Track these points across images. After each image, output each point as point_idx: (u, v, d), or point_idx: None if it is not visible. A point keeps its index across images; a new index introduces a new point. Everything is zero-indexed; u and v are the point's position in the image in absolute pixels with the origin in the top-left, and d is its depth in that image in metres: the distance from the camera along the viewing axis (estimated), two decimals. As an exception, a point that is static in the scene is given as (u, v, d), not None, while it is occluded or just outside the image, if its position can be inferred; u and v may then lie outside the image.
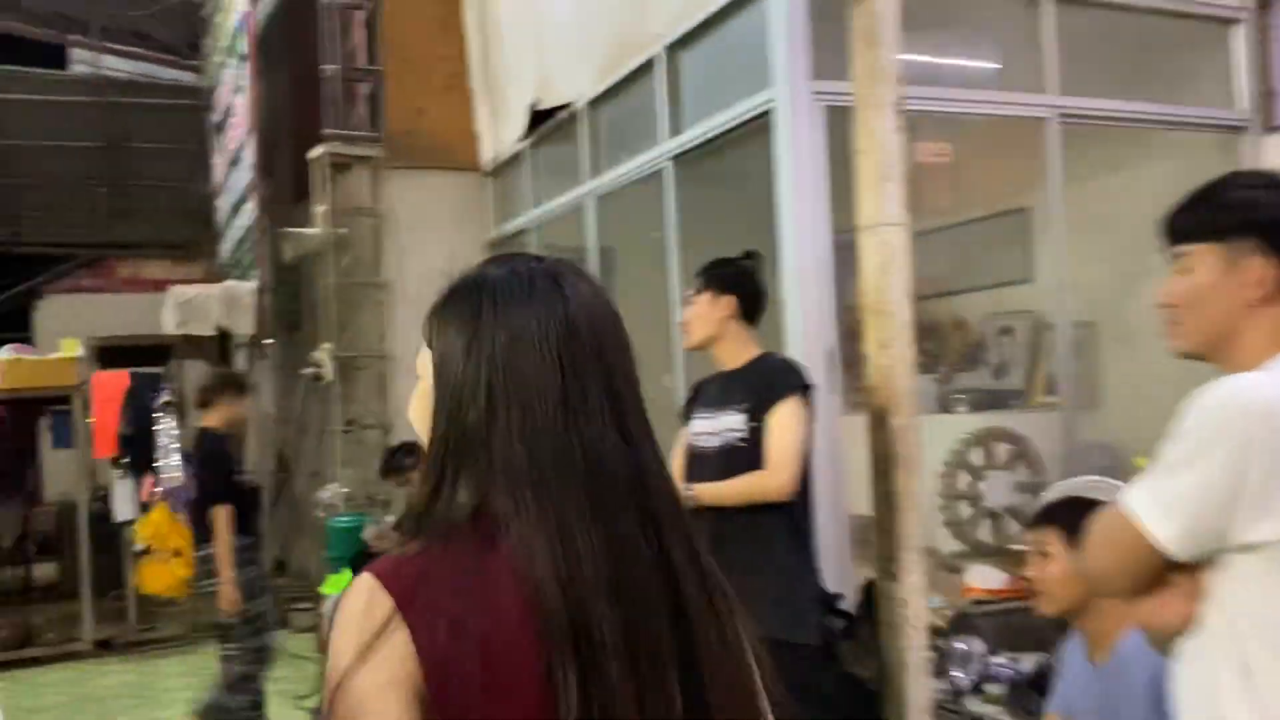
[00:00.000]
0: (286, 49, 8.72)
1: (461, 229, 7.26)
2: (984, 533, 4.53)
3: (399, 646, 0.89)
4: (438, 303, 1.05)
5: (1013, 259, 5.88)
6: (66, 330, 7.66)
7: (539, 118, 6.32)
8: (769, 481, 2.80)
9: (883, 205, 2.91)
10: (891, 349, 2.90)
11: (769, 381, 2.90)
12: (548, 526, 0.94)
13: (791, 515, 2.86)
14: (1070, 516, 2.07)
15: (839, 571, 3.83)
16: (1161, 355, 1.67)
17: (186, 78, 11.84)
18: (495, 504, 0.95)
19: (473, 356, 0.99)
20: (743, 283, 3.04)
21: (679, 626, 0.96)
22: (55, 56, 11.97)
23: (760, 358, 3.03)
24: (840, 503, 3.94)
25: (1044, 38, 4.48)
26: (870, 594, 3.31)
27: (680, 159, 4.84)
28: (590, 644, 0.90)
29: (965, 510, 4.45)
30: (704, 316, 3.01)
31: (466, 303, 1.02)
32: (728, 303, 2.99)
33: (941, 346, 6.36)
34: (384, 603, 0.91)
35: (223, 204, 9.51)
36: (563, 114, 6.04)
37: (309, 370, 7.15)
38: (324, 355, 7.04)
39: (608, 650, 0.91)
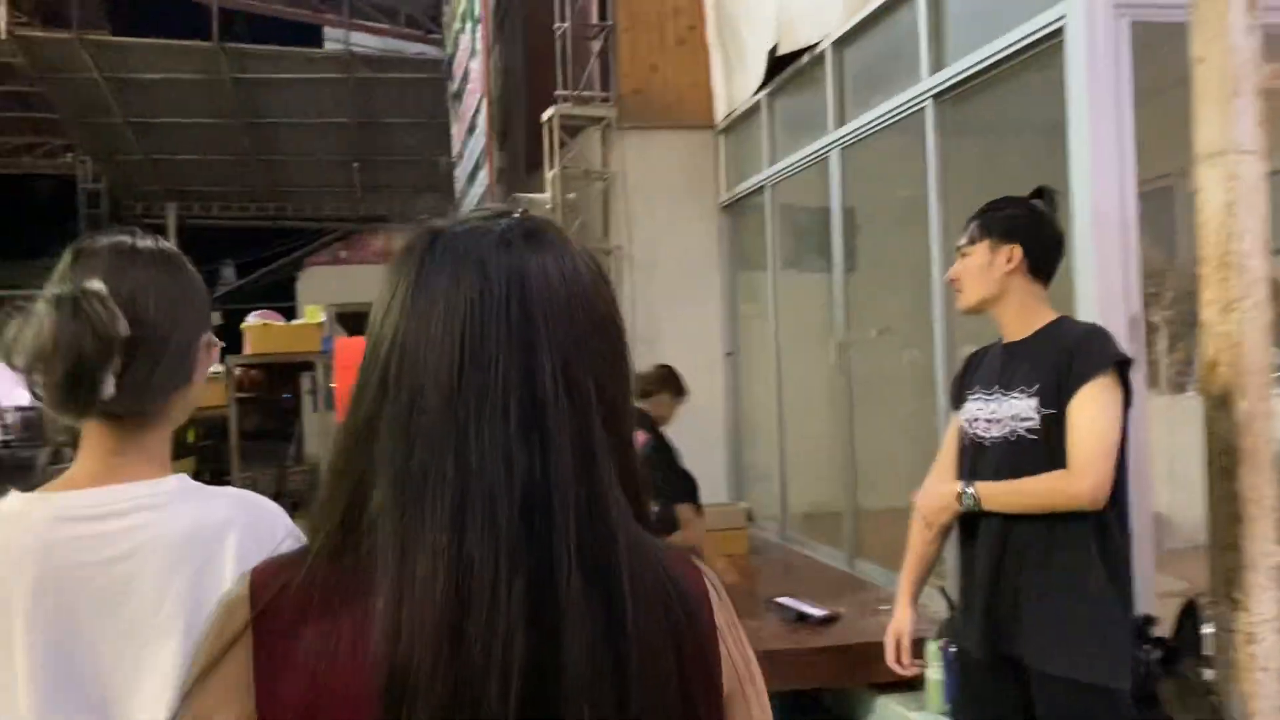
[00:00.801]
0: (521, 9, 8.62)
1: (692, 190, 6.96)
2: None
3: (240, 670, 0.79)
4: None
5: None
6: (324, 300, 7.91)
7: (777, 66, 5.83)
8: (1074, 487, 2.17)
9: (1230, 127, 2.27)
10: (1239, 312, 2.26)
11: (1070, 356, 2.25)
12: (399, 549, 0.77)
13: (1101, 525, 2.23)
14: None
15: (1141, 586, 3.20)
16: None
17: (430, 51, 12.11)
18: (375, 514, 0.80)
19: (384, 331, 0.82)
20: (1032, 228, 2.37)
21: (544, 699, 0.74)
22: (311, 36, 12.53)
23: (1054, 324, 2.37)
24: (1144, 500, 3.29)
25: None
26: (1192, 618, 2.68)
27: (943, 98, 4.23)
28: (411, 708, 0.73)
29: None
30: (981, 271, 2.37)
31: (400, 263, 0.85)
32: (1011, 253, 2.34)
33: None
34: (244, 612, 0.80)
35: (460, 173, 9.61)
36: (805, 58, 5.52)
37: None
38: (553, 323, 6.89)
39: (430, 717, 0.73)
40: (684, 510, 4.14)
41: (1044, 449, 2.24)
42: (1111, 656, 2.22)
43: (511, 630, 0.74)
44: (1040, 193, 2.47)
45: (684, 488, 4.22)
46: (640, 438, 4.18)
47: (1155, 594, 3.34)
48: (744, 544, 5.66)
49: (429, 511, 0.76)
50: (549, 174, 6.89)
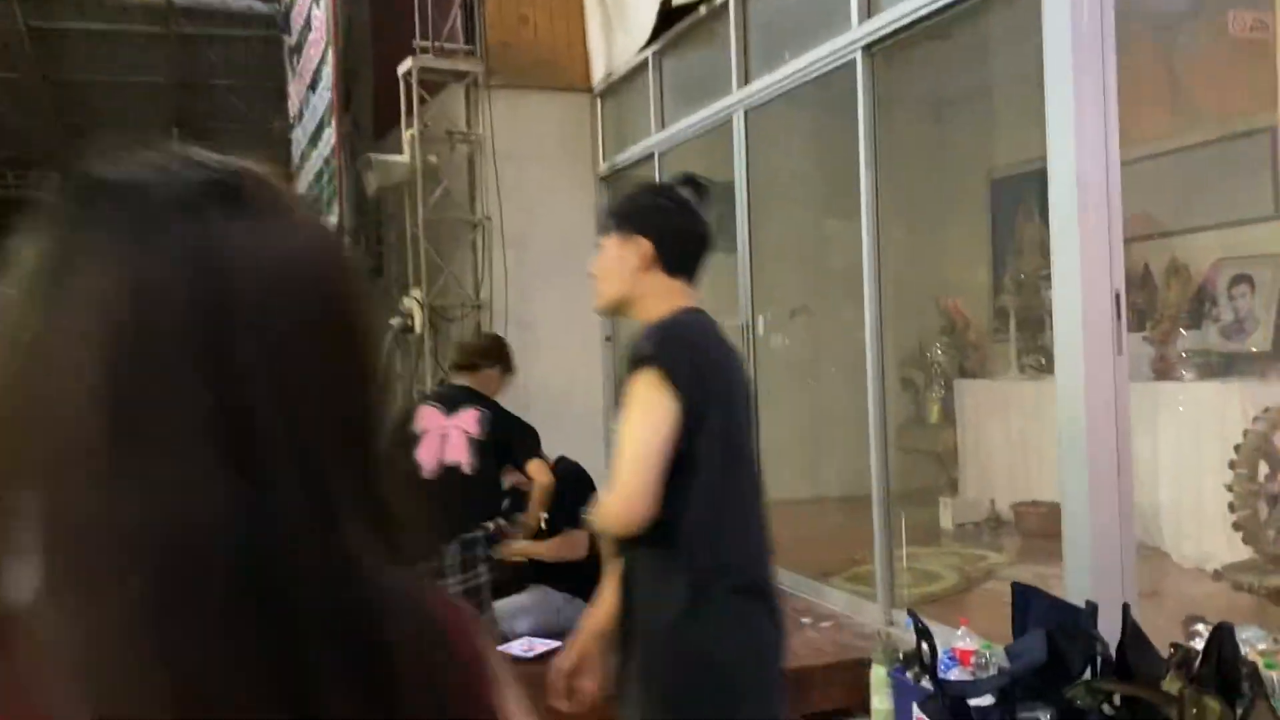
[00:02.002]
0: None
1: (568, 158, 6.42)
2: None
3: None
4: None
5: (1250, 190, 4.89)
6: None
7: (668, 20, 5.30)
8: (608, 506, 1.91)
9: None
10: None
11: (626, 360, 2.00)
12: (67, 662, 0.52)
13: (666, 545, 1.91)
14: None
15: (1126, 593, 2.86)
16: None
17: (260, 6, 11.07)
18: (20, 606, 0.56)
19: (9, 328, 0.57)
20: (664, 220, 2.07)
21: None
22: (123, -18, 11.29)
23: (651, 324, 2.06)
24: (1125, 505, 2.95)
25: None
26: (1226, 649, 2.30)
27: (876, 49, 3.78)
28: None
29: (1264, 510, 3.42)
30: (611, 267, 2.08)
31: (32, 231, 0.59)
32: (639, 247, 2.04)
33: (1154, 300, 5.32)
34: None
35: (299, 135, 8.71)
36: (702, 10, 5.00)
37: (395, 320, 6.37)
38: (412, 303, 6.26)
39: None
40: (534, 466, 3.69)
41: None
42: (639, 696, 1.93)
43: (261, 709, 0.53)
44: (689, 180, 2.16)
45: (532, 443, 3.76)
46: (472, 416, 3.64)
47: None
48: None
49: (105, 602, 0.52)
50: (406, 134, 6.17)
